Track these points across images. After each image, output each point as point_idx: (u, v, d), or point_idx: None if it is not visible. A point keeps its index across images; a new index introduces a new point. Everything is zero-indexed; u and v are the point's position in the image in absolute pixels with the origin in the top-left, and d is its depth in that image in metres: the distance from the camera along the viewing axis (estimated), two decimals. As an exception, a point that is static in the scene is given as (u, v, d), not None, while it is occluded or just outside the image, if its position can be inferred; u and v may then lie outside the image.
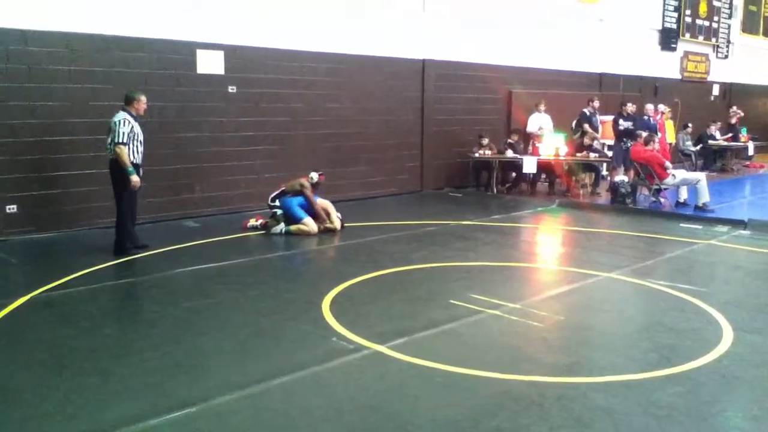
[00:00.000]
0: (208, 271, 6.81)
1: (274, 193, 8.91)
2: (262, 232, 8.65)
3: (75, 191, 8.52)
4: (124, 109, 7.19)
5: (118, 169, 7.13)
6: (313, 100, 10.83)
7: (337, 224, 8.77)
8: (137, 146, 7.19)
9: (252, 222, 8.90)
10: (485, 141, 12.56)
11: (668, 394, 4.02)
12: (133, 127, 7.10)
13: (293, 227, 8.56)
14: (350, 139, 11.36)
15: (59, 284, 6.20)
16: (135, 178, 7.12)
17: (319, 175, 8.90)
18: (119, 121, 7.06)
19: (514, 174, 12.97)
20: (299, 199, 8.66)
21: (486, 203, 11.58)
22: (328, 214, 8.80)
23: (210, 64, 9.59)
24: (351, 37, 11.20)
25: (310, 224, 8.54)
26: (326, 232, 8.66)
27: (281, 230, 8.56)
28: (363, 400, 3.95)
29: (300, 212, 8.59)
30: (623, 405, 3.87)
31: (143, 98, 7.33)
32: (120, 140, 6.99)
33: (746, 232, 9.09)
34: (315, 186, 8.87)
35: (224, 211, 9.82)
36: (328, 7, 10.83)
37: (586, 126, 12.77)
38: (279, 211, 8.73)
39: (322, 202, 8.85)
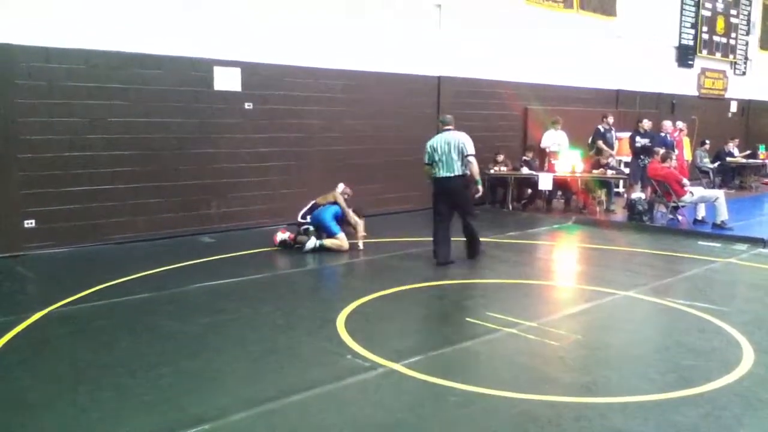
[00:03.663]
0: (224, 286, 6.83)
1: (305, 209, 8.76)
2: (278, 248, 8.64)
3: (93, 206, 8.60)
4: (446, 130, 7.94)
5: (460, 185, 7.78)
6: (329, 117, 10.88)
7: (345, 244, 8.60)
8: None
9: (280, 235, 8.71)
10: (501, 157, 12.56)
11: (688, 416, 3.95)
12: None
13: (327, 242, 8.45)
14: (365, 155, 11.39)
15: (76, 299, 6.24)
16: (481, 188, 8.09)
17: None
18: (461, 137, 7.78)
19: (529, 191, 12.93)
20: (333, 210, 8.58)
21: (501, 220, 11.53)
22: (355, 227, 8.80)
23: (227, 81, 9.69)
24: (366, 53, 11.27)
25: (343, 240, 8.51)
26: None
27: (316, 245, 8.41)
28: (378, 419, 3.92)
29: (335, 226, 8.51)
30: (642, 426, 3.81)
31: None
32: (473, 152, 7.74)
33: (766, 251, 8.97)
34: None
35: (240, 227, 9.86)
36: (342, 25, 10.91)
37: (600, 143, 12.72)
38: (310, 228, 8.58)
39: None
